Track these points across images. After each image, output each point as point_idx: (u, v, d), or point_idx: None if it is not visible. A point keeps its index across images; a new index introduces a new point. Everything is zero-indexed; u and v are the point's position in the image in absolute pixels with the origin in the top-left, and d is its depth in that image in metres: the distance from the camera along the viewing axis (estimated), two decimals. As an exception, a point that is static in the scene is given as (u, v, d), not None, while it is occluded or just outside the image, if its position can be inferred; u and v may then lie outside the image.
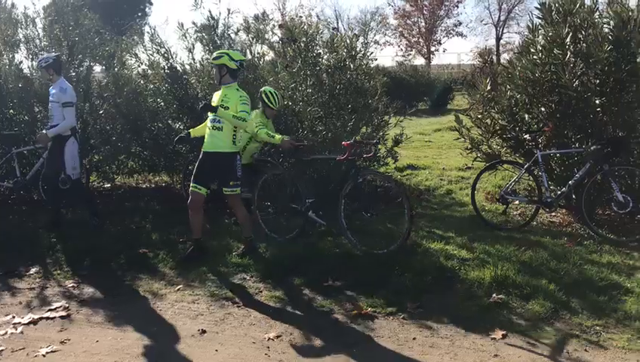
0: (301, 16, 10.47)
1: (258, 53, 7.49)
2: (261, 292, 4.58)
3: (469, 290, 4.38)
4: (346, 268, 4.86)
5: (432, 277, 4.58)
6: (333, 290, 4.51)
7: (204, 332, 3.92)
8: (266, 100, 6.08)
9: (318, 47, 7.26)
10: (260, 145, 6.27)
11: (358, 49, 7.26)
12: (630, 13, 5.52)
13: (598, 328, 3.80)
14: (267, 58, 7.71)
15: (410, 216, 5.14)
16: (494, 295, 4.25)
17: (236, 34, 7.35)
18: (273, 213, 6.00)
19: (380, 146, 7.55)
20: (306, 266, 4.91)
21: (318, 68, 6.85)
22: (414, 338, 3.73)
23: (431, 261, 4.95)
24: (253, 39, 7.45)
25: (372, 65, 7.97)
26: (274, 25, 7.79)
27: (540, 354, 3.49)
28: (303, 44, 6.87)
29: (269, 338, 3.78)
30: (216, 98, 5.27)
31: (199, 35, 7.41)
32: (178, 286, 4.71)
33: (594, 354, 3.48)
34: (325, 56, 7.16)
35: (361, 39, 7.43)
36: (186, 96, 7.19)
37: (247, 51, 7.39)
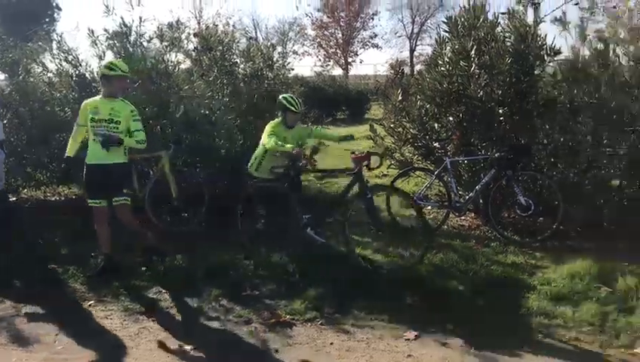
0: (217, 25, 10.36)
1: (172, 61, 7.36)
2: (177, 304, 4.49)
3: (383, 293, 4.50)
4: (266, 276, 4.87)
5: (349, 282, 4.66)
6: (252, 299, 4.50)
7: (117, 347, 3.80)
8: (287, 105, 5.59)
9: (234, 56, 7.27)
10: (277, 156, 5.57)
11: (275, 58, 7.33)
12: (528, 29, 5.91)
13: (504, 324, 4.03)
14: (183, 66, 7.60)
15: (427, 234, 5.01)
16: (408, 297, 4.40)
17: (149, 41, 7.17)
18: (262, 229, 5.56)
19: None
20: (223, 276, 4.87)
21: (234, 77, 6.84)
22: (332, 343, 3.80)
23: (347, 265, 5.03)
24: (167, 47, 7.32)
25: (290, 75, 8.07)
26: (189, 33, 7.69)
27: (451, 352, 3.66)
28: (219, 53, 6.85)
29: (186, 351, 3.72)
30: (100, 110, 4.78)
31: (111, 42, 7.19)
32: (89, 302, 4.53)
33: (501, 349, 3.68)
34: (242, 65, 7.17)
35: (279, 49, 7.51)
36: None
37: (162, 59, 7.24)
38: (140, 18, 7.00)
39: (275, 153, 5.47)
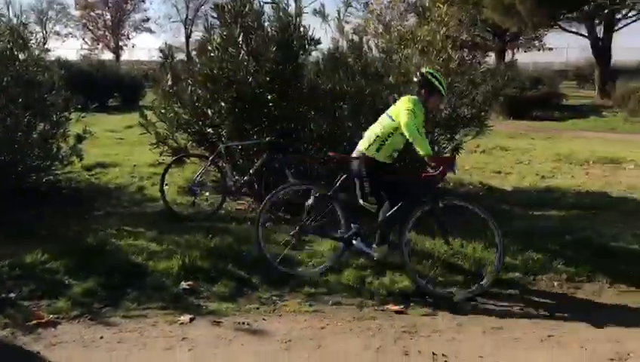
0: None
1: None
2: None
3: (158, 281, 4.43)
4: (22, 277, 4.43)
5: (121, 274, 4.48)
6: (8, 303, 4.06)
7: None
8: (437, 84, 4.57)
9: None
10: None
11: (28, 38, 6.64)
12: (290, 18, 6.25)
13: (275, 298, 4.27)
14: None
15: (501, 247, 4.39)
16: (183, 282, 4.39)
17: None
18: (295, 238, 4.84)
19: (62, 144, 7.04)
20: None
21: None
22: (101, 337, 3.63)
23: (119, 258, 4.82)
24: None
25: (50, 58, 7.40)
26: None
27: (224, 330, 3.76)
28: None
29: None
30: None
31: None
32: None
33: (270, 321, 3.91)
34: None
35: (37, 28, 6.82)
36: None
37: None
38: None
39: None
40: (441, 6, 7.34)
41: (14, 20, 6.65)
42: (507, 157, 11.13)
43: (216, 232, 5.57)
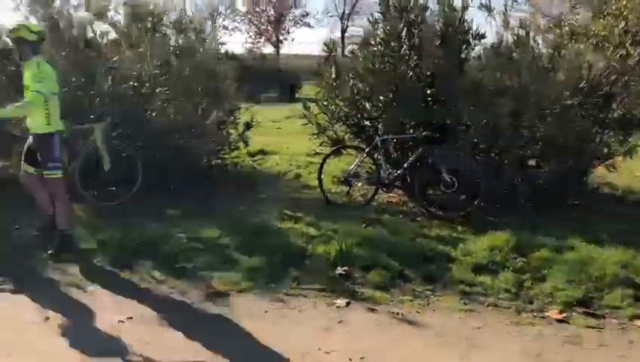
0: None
1: (100, 31, 7.11)
2: (112, 277, 4.47)
3: (316, 264, 4.65)
4: (198, 249, 4.90)
5: (282, 254, 4.77)
6: (186, 272, 4.53)
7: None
8: None
9: (165, 28, 7.13)
10: None
11: (207, 32, 7.26)
12: (455, 13, 6.16)
13: (428, 292, 4.28)
14: (111, 37, 7.35)
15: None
16: (339, 267, 4.57)
17: (75, 9, 6.88)
18: None
19: (231, 131, 7.63)
20: (155, 250, 4.85)
21: (165, 49, 6.71)
22: (266, 311, 3.91)
23: (281, 240, 5.13)
24: (94, 16, 7.06)
25: (222, 50, 8.01)
26: (117, 3, 7.44)
27: (379, 317, 3.86)
28: (149, 24, 6.70)
29: (120, 321, 3.72)
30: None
31: (33, 8, 6.85)
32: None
33: (424, 314, 3.94)
34: (173, 38, 7.05)
35: (209, 22, 7.44)
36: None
37: (89, 29, 6.99)
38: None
39: None
40: (621, -2, 6.78)
41: (196, 15, 7.30)
42: (689, 164, 9.95)
43: (369, 222, 5.70)
